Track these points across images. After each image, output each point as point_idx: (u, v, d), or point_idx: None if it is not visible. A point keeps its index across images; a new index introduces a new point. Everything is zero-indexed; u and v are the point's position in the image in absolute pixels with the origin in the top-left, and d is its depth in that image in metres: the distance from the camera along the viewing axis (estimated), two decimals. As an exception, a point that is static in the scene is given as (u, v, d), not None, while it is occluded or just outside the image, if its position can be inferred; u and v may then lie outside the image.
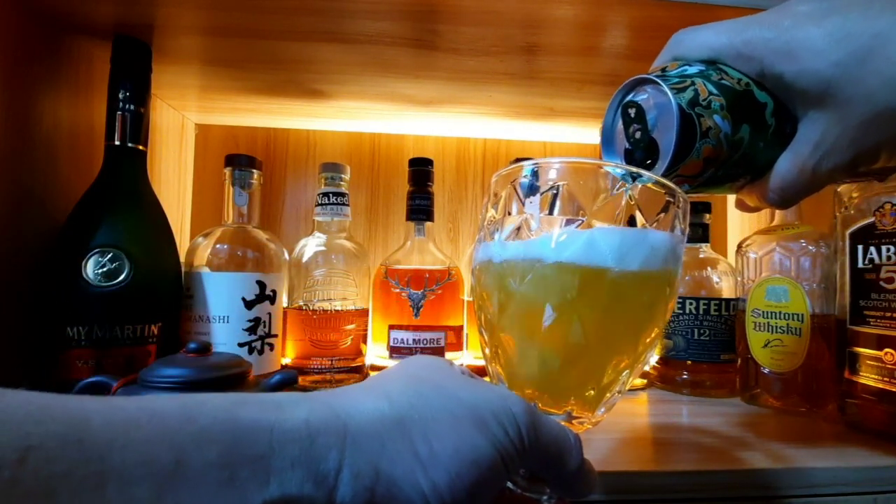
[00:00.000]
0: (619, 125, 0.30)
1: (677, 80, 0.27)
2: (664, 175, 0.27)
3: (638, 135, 0.28)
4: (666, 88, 0.26)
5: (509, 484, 0.22)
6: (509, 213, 0.27)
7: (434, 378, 0.20)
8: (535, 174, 0.27)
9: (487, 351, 0.27)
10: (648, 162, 0.28)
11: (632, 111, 0.29)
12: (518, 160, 0.62)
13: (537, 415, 0.20)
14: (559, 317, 0.23)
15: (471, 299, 0.61)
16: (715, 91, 0.26)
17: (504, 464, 0.18)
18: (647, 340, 0.26)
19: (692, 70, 0.28)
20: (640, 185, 0.26)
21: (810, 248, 0.51)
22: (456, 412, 0.18)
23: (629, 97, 0.30)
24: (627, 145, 0.29)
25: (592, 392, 0.25)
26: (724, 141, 0.27)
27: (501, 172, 0.29)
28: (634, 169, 0.26)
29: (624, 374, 0.25)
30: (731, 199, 0.85)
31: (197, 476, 0.14)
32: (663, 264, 0.25)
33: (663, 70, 0.29)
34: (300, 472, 0.15)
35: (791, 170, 0.27)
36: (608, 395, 0.25)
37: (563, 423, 0.22)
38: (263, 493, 0.15)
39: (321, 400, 0.18)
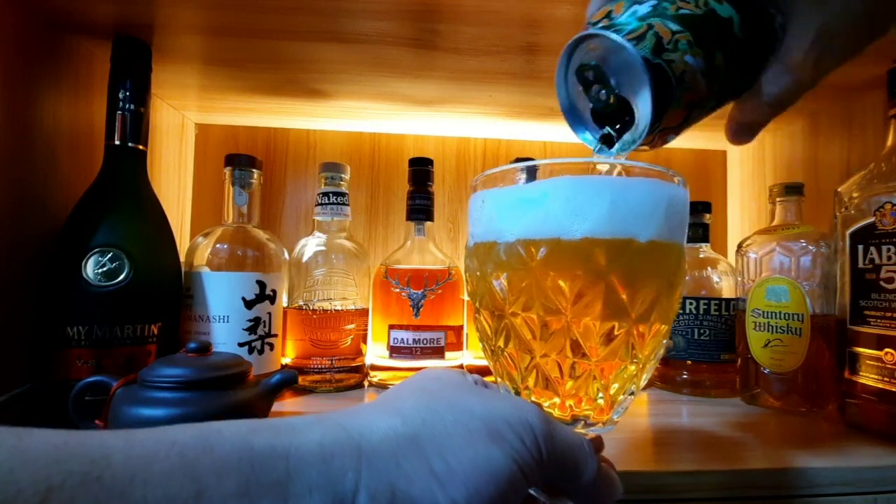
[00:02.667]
0: (577, 89, 0.27)
1: (632, 26, 0.23)
2: (648, 134, 0.24)
3: (603, 95, 0.25)
4: (622, 42, 0.23)
5: (532, 491, 0.21)
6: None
7: (446, 392, 0.19)
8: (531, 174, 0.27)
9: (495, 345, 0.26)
10: (627, 119, 0.25)
11: (589, 74, 0.25)
12: (518, 160, 0.62)
13: (552, 423, 0.19)
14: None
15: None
16: (677, 27, 0.23)
17: (523, 475, 0.17)
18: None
19: (644, 9, 0.24)
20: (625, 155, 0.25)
21: (810, 248, 0.51)
22: (470, 425, 0.17)
23: (583, 60, 0.26)
24: (593, 106, 0.26)
25: (603, 395, 0.24)
26: (701, 79, 0.24)
27: (488, 174, 0.28)
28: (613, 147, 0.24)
29: (635, 371, 0.25)
30: (732, 199, 0.86)
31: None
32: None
33: (608, 16, 0.24)
34: (318, 496, 0.15)
35: (791, 70, 0.24)
36: (621, 396, 0.25)
37: (577, 431, 0.21)
38: None
39: (334, 421, 0.18)
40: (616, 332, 0.24)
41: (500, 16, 0.45)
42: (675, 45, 0.23)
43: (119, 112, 0.47)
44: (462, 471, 0.16)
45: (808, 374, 0.50)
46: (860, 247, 0.45)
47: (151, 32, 0.49)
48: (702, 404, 0.53)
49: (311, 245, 0.58)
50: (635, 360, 0.25)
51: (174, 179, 0.71)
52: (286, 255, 0.57)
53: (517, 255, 0.24)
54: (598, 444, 0.22)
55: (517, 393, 0.26)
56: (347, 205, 0.60)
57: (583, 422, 0.24)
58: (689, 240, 0.63)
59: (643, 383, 0.26)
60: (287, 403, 0.51)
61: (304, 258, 0.57)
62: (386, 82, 0.60)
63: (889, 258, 0.42)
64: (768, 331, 0.52)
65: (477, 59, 0.54)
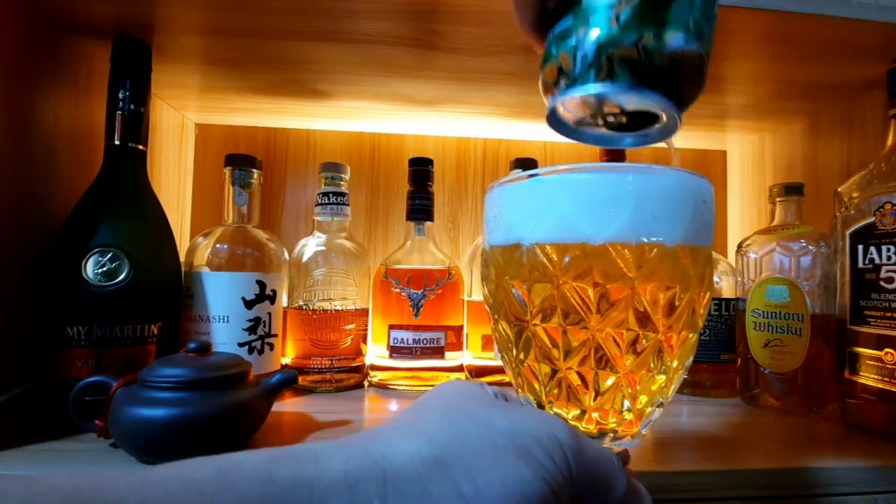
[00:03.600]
0: (585, 122, 0.26)
1: (581, 63, 0.22)
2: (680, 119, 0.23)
3: (612, 119, 0.24)
4: (601, 89, 0.21)
5: None
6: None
7: (469, 407, 0.19)
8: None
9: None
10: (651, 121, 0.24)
11: (592, 118, 0.25)
12: (518, 161, 0.62)
13: (581, 437, 0.18)
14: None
15: (472, 299, 0.61)
16: (633, 34, 0.21)
17: (553, 493, 0.17)
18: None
19: (590, 48, 0.22)
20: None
21: (810, 248, 0.51)
22: (497, 443, 0.17)
23: (578, 116, 0.25)
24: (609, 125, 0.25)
25: (630, 408, 0.23)
26: (699, 47, 0.21)
27: (502, 181, 0.27)
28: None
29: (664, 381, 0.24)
30: (732, 199, 0.86)
31: None
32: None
33: (562, 72, 0.24)
34: None
35: None
36: (650, 408, 0.24)
37: (604, 445, 0.20)
38: None
39: (358, 446, 0.17)
40: (643, 342, 0.23)
41: (500, 16, 0.45)
42: (645, 51, 0.21)
43: (119, 112, 0.47)
44: (492, 492, 0.15)
45: (808, 374, 0.50)
46: (860, 247, 0.45)
47: (151, 32, 0.49)
48: (702, 404, 0.53)
49: (311, 245, 0.58)
50: (664, 371, 0.24)
51: (174, 179, 0.71)
52: (286, 255, 0.57)
53: (537, 261, 0.23)
54: (625, 457, 0.21)
55: (540, 406, 0.25)
56: (347, 205, 0.60)
57: (610, 435, 0.24)
58: (689, 240, 0.63)
59: (672, 394, 0.25)
60: (287, 403, 0.51)
61: (304, 258, 0.57)
62: (386, 82, 0.60)
63: (889, 258, 0.43)
64: (768, 331, 0.52)
65: (477, 59, 0.54)
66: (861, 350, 0.44)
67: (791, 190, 0.56)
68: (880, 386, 0.43)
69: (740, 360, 0.56)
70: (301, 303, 0.56)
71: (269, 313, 0.53)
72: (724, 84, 0.60)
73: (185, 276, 0.52)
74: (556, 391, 0.24)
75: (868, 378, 0.44)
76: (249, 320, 0.51)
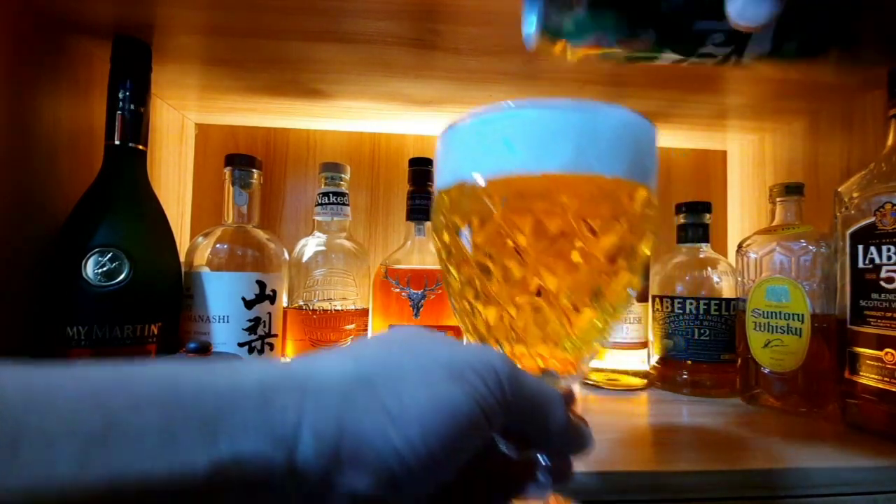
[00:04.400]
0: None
1: None
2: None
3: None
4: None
5: (505, 450, 0.21)
6: None
7: (409, 340, 0.18)
8: None
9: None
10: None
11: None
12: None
13: (519, 369, 0.18)
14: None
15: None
16: None
17: (485, 417, 0.16)
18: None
19: None
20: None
21: (810, 248, 0.51)
22: (429, 367, 0.16)
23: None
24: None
25: (570, 346, 0.23)
26: None
27: (451, 124, 0.26)
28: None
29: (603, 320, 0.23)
30: (732, 199, 0.86)
31: (131, 439, 0.13)
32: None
33: None
34: (254, 434, 0.14)
35: None
36: (589, 347, 0.24)
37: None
38: (211, 452, 0.13)
39: (278, 364, 0.16)
40: (582, 279, 0.23)
41: (500, 16, 0.45)
42: None
43: (119, 112, 0.47)
44: (417, 408, 0.15)
45: (808, 374, 0.50)
46: (860, 247, 0.45)
47: (151, 32, 0.49)
48: (702, 404, 0.53)
49: (311, 245, 0.58)
50: (602, 310, 0.24)
51: (174, 179, 0.71)
52: (286, 255, 0.57)
53: (480, 198, 0.23)
54: (568, 396, 0.20)
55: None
56: (347, 205, 0.60)
57: (552, 374, 0.24)
58: (689, 240, 0.63)
59: (610, 334, 0.25)
60: (287, 403, 0.51)
61: (304, 258, 0.57)
62: (386, 82, 0.60)
63: (889, 258, 0.42)
64: (768, 331, 0.52)
65: (477, 59, 0.54)
66: (861, 350, 0.44)
67: (791, 190, 0.56)
68: (880, 386, 0.43)
69: (740, 360, 0.56)
70: (301, 303, 0.56)
71: (269, 313, 0.53)
72: (724, 84, 0.60)
73: (185, 276, 0.52)
74: (500, 331, 0.24)
75: (868, 378, 0.44)
76: (249, 320, 0.51)
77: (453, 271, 0.25)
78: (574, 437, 0.20)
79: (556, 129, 0.22)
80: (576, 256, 0.22)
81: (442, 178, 0.26)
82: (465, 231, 0.24)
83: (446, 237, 0.25)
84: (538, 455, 0.22)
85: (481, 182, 0.23)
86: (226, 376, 0.15)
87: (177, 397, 0.14)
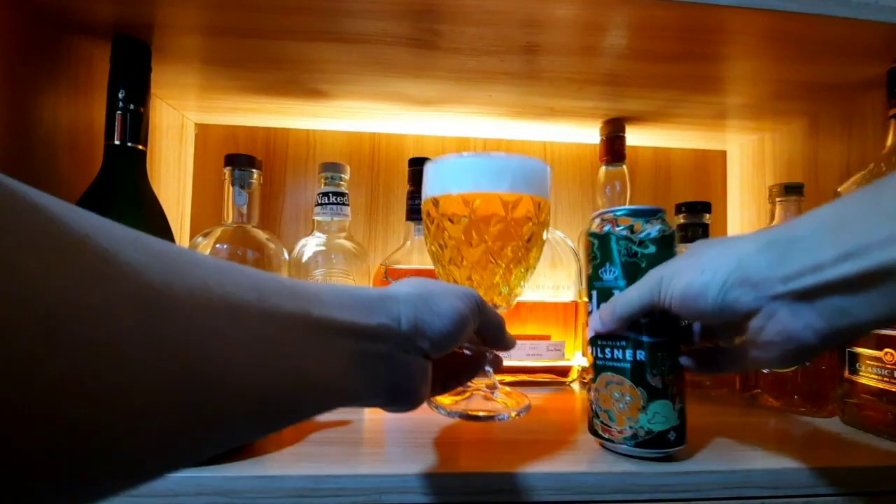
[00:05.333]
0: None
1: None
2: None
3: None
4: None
5: (466, 349, 0.36)
6: None
7: (429, 280, 0.31)
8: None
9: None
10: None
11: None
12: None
13: (485, 301, 0.32)
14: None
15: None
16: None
17: (471, 318, 0.30)
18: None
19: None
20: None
21: (810, 248, 0.51)
22: (447, 292, 0.30)
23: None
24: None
25: (505, 290, 0.41)
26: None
27: (437, 159, 0.42)
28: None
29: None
30: (732, 199, 0.86)
31: (332, 306, 0.23)
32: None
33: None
34: (384, 315, 0.26)
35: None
36: (514, 292, 0.41)
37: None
38: (373, 319, 0.25)
39: (380, 289, 0.28)
40: (511, 253, 0.38)
41: (500, 16, 0.45)
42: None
43: (119, 112, 0.47)
44: (445, 310, 0.28)
45: (808, 374, 0.50)
46: (860, 247, 0.45)
47: (151, 32, 0.49)
48: (702, 404, 0.53)
49: (310, 245, 0.58)
50: (522, 269, 0.39)
51: (174, 179, 0.71)
52: (286, 255, 0.57)
53: (455, 205, 0.38)
54: (503, 319, 0.36)
55: None
56: (347, 205, 0.60)
57: (497, 306, 0.41)
58: (689, 240, 0.63)
59: (525, 285, 0.41)
60: (287, 403, 0.51)
61: (304, 258, 0.57)
62: (386, 82, 0.60)
63: (889, 258, 0.42)
64: (768, 331, 0.52)
65: (477, 59, 0.54)
66: (861, 350, 0.44)
67: (791, 190, 0.56)
68: (880, 386, 0.43)
69: (740, 360, 0.56)
70: (301, 303, 0.56)
71: (269, 313, 0.52)
72: (724, 84, 0.60)
73: (185, 276, 0.52)
74: (466, 281, 0.40)
75: (868, 378, 0.44)
76: (249, 320, 0.51)
77: (435, 247, 0.40)
78: (507, 340, 0.35)
79: (501, 168, 0.39)
80: (510, 240, 0.38)
81: (428, 190, 0.40)
82: (445, 224, 0.38)
83: (430, 226, 0.41)
84: (487, 351, 0.38)
85: (455, 195, 0.38)
86: (368, 291, 0.27)
87: (349, 295, 0.25)
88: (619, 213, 0.36)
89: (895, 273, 0.24)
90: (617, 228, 0.36)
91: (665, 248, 0.35)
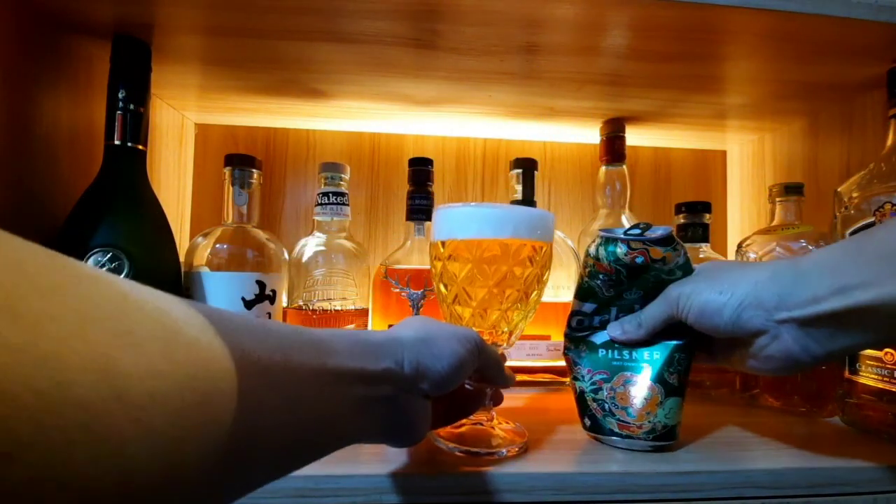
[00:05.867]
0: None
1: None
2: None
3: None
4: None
5: (467, 385, 0.38)
6: None
7: (432, 323, 0.33)
8: None
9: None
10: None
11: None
12: (518, 161, 0.62)
13: (484, 342, 0.34)
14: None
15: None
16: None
17: (470, 360, 0.31)
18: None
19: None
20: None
21: (810, 247, 0.51)
22: (448, 335, 0.31)
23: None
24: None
25: (507, 329, 0.41)
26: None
27: (447, 206, 0.42)
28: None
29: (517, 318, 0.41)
30: (732, 199, 0.86)
31: (343, 356, 0.24)
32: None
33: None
34: (390, 359, 0.27)
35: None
36: (515, 330, 0.41)
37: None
38: (379, 364, 0.26)
39: (386, 333, 0.30)
40: (514, 294, 0.39)
41: (500, 16, 0.45)
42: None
43: (119, 112, 0.47)
44: (447, 354, 0.30)
45: (808, 374, 0.50)
46: (860, 247, 0.45)
47: (151, 32, 0.49)
48: (702, 404, 0.53)
49: (310, 245, 0.58)
50: (523, 311, 0.40)
51: (174, 179, 0.71)
52: (286, 255, 0.57)
53: (463, 248, 0.39)
54: (502, 357, 0.39)
55: None
56: (347, 205, 0.60)
57: (497, 345, 0.40)
58: (689, 240, 0.63)
59: (525, 325, 0.42)
60: (287, 403, 0.51)
61: (304, 258, 0.57)
62: (386, 82, 0.60)
63: (889, 258, 0.42)
64: (768, 331, 0.52)
65: (477, 59, 0.54)
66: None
67: (791, 190, 0.56)
68: (880, 386, 0.43)
69: (740, 360, 0.56)
70: (301, 303, 0.56)
71: (269, 313, 0.53)
72: (724, 84, 0.60)
73: (185, 276, 0.52)
74: (470, 323, 0.40)
75: (868, 378, 0.44)
76: (249, 320, 0.51)
77: (441, 287, 0.41)
78: (506, 378, 0.37)
79: (504, 217, 0.40)
80: (512, 283, 0.39)
81: (437, 234, 0.41)
82: (450, 266, 0.40)
83: (436, 266, 0.41)
84: (487, 387, 0.39)
85: (463, 240, 0.39)
86: (375, 337, 0.28)
87: (358, 343, 0.27)
88: (648, 243, 0.38)
89: (874, 309, 0.29)
90: (652, 261, 0.38)
91: (687, 272, 0.39)
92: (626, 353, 0.40)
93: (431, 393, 0.30)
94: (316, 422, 0.23)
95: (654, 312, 0.39)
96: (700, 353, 0.40)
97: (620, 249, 0.38)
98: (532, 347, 0.58)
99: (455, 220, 0.40)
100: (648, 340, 0.39)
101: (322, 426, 0.23)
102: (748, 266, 0.37)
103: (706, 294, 0.35)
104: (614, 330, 0.41)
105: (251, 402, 0.18)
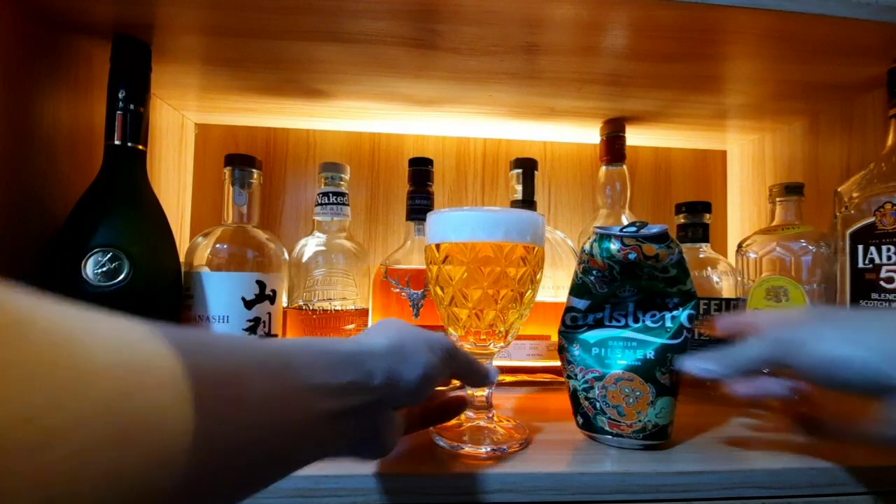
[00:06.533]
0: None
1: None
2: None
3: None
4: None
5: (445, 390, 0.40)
6: None
7: (403, 328, 0.32)
8: None
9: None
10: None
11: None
12: (518, 161, 0.62)
13: (458, 348, 0.34)
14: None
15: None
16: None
17: (442, 367, 0.31)
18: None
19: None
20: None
21: (810, 247, 0.51)
22: (419, 343, 0.31)
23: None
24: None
25: (502, 330, 0.41)
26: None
27: (442, 211, 0.42)
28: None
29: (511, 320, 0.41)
30: (732, 199, 0.86)
31: (311, 369, 0.24)
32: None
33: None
34: (353, 373, 0.26)
35: None
36: (510, 331, 0.41)
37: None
38: (343, 378, 0.26)
39: (352, 340, 0.29)
40: (507, 296, 0.40)
41: (500, 16, 0.45)
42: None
43: (119, 112, 0.47)
44: (417, 362, 0.29)
45: (808, 374, 0.49)
46: (860, 247, 0.45)
47: (151, 32, 0.49)
48: (702, 404, 0.53)
49: (310, 245, 0.58)
50: (517, 311, 0.41)
51: (174, 179, 0.71)
52: (286, 255, 0.57)
53: (457, 251, 0.40)
54: (494, 373, 0.38)
55: (464, 334, 0.42)
56: (347, 205, 0.60)
57: (492, 350, 0.42)
58: (689, 240, 0.63)
59: (520, 326, 0.42)
60: (287, 403, 0.51)
61: (304, 258, 0.57)
62: (386, 82, 0.60)
63: (889, 258, 0.43)
64: (768, 331, 0.52)
65: (477, 59, 0.54)
66: (861, 350, 0.44)
67: (791, 190, 0.56)
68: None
69: (740, 360, 0.56)
70: (301, 303, 0.56)
71: (269, 313, 0.53)
72: (724, 84, 0.60)
73: (185, 276, 0.52)
74: (467, 324, 0.41)
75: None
76: (249, 320, 0.51)
77: (438, 290, 0.42)
78: (482, 378, 0.37)
79: (496, 220, 0.40)
80: (503, 285, 0.40)
81: (432, 238, 0.42)
82: (445, 268, 0.40)
83: (432, 269, 0.42)
84: (466, 389, 0.41)
85: (456, 243, 0.40)
86: (341, 347, 0.27)
87: (323, 354, 0.26)
88: (641, 240, 0.37)
89: None
90: (645, 258, 0.38)
91: (681, 271, 0.39)
92: (618, 352, 0.40)
93: (403, 404, 0.30)
94: (281, 438, 0.22)
95: (751, 354, 0.35)
96: (795, 420, 0.38)
97: (614, 245, 0.38)
98: (532, 347, 0.58)
99: (449, 224, 0.41)
100: (647, 341, 0.40)
101: (286, 442, 0.23)
102: (871, 314, 0.34)
103: (829, 344, 0.31)
104: (692, 365, 0.36)
105: (209, 423, 0.18)
